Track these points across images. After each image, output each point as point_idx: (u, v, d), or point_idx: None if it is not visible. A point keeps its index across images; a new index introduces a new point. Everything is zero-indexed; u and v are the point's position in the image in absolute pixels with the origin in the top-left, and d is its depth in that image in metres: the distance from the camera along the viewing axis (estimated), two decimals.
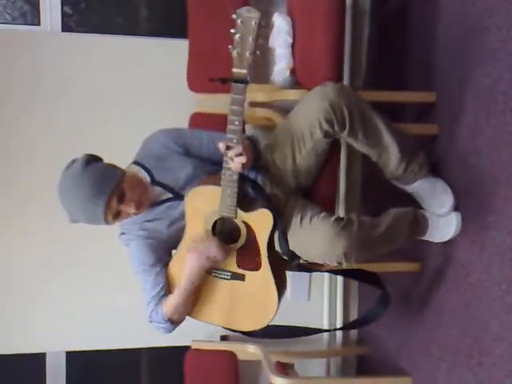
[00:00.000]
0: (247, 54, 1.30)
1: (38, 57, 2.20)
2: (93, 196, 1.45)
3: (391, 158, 1.63)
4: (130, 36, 2.33)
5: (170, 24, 2.41)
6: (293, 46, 1.93)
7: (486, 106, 1.61)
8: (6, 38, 2.18)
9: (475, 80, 1.67)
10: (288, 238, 1.58)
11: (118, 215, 1.53)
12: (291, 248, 1.59)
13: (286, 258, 1.64)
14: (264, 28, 1.30)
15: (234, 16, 1.27)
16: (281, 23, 1.94)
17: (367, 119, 1.57)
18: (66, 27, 2.28)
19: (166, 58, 2.26)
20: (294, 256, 1.60)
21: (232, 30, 1.28)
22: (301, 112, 1.60)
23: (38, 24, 2.27)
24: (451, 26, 1.82)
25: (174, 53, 2.23)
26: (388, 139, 1.60)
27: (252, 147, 1.56)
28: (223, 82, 1.36)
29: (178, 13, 2.25)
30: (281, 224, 1.57)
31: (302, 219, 1.56)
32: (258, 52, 1.30)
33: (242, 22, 1.27)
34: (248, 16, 1.26)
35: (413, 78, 2.08)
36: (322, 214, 1.54)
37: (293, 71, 1.93)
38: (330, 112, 1.51)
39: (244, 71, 1.32)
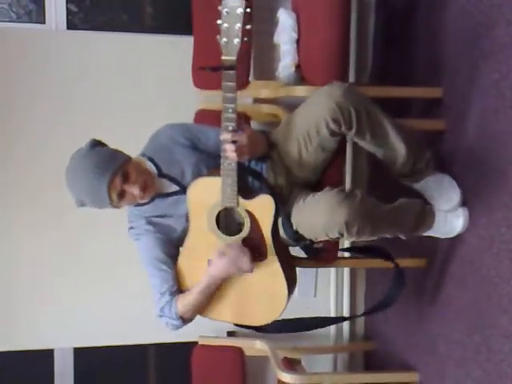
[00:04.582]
0: (235, 41, 1.30)
1: (43, 55, 2.20)
2: (97, 173, 1.47)
3: (398, 157, 1.63)
4: (134, 33, 2.33)
5: (174, 21, 2.41)
6: (298, 41, 1.92)
7: (494, 102, 1.60)
8: (12, 36, 2.18)
9: (483, 75, 1.65)
10: (292, 219, 1.58)
11: (122, 196, 1.54)
12: (295, 228, 1.58)
13: (291, 241, 1.64)
14: (252, 14, 1.31)
15: (219, 8, 1.27)
16: (286, 19, 1.93)
17: (374, 119, 1.57)
18: (71, 25, 2.28)
19: (171, 54, 2.26)
20: (299, 238, 1.60)
21: (219, 21, 1.28)
22: (307, 111, 1.59)
23: (44, 22, 2.27)
24: (458, 21, 1.81)
25: (178, 49, 2.22)
26: (395, 139, 1.59)
27: (260, 138, 1.58)
28: (214, 70, 1.36)
29: (182, 9, 2.24)
30: (283, 209, 1.58)
31: (305, 199, 1.56)
32: (246, 38, 1.31)
33: (227, 11, 1.27)
34: (233, 5, 1.27)
35: (419, 73, 2.07)
36: (326, 188, 1.54)
37: (298, 67, 1.92)
38: (337, 112, 1.51)
39: (233, 58, 1.32)
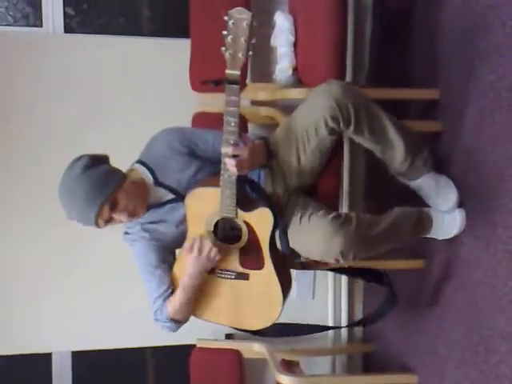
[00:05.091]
0: (240, 55, 1.30)
1: (40, 58, 2.20)
2: (85, 203, 1.49)
3: (396, 154, 1.63)
4: (132, 36, 2.34)
5: (172, 24, 2.41)
6: (295, 44, 1.93)
7: (490, 103, 1.61)
8: (9, 39, 2.19)
9: (479, 76, 1.66)
10: (288, 235, 1.59)
11: (109, 221, 1.56)
12: (291, 246, 1.59)
13: (286, 254, 1.63)
14: (257, 28, 1.29)
15: (225, 18, 1.26)
16: (283, 22, 1.93)
17: (373, 116, 1.57)
18: (68, 28, 2.29)
19: (168, 58, 2.27)
20: (294, 254, 1.61)
21: (224, 32, 1.28)
22: (306, 109, 1.59)
23: (41, 26, 2.27)
24: (454, 22, 1.82)
25: (176, 53, 2.23)
26: (393, 136, 1.60)
27: (261, 149, 1.58)
28: (216, 85, 1.36)
29: (180, 13, 2.25)
30: (281, 222, 1.58)
31: (301, 217, 1.56)
32: (251, 53, 1.30)
33: (233, 23, 1.26)
34: (239, 17, 1.26)
35: (416, 74, 2.08)
36: (321, 212, 1.54)
37: (295, 70, 1.93)
38: (336, 109, 1.51)
39: (237, 72, 1.32)
